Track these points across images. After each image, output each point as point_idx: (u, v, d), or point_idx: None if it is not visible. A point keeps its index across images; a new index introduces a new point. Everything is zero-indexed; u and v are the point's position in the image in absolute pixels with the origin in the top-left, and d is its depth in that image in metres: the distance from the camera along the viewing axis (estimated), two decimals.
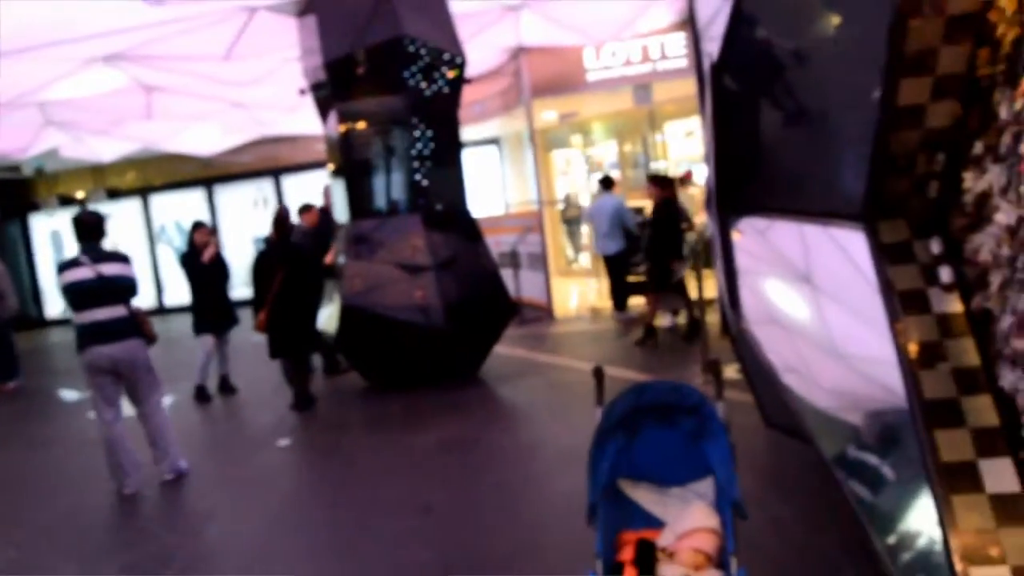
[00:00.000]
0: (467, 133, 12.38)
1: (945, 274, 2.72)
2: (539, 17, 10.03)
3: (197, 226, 8.07)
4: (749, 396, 4.76)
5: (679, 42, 10.64)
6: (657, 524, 2.57)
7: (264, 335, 7.07)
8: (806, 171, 3.41)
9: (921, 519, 2.36)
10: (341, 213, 7.87)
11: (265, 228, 7.26)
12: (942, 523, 2.25)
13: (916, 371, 2.55)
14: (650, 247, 8.13)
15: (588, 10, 9.79)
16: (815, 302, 3.26)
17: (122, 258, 5.36)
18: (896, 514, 2.52)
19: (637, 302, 9.37)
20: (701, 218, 10.96)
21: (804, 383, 3.23)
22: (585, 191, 13.93)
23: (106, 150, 14.57)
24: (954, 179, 2.68)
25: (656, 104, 11.48)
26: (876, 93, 2.66)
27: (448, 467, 5.20)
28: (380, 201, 7.65)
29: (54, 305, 17.82)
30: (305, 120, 11.15)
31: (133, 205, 17.97)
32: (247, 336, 7.19)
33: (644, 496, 2.64)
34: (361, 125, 7.56)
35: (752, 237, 3.86)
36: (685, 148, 12.63)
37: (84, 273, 5.14)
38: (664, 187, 8.08)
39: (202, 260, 7.76)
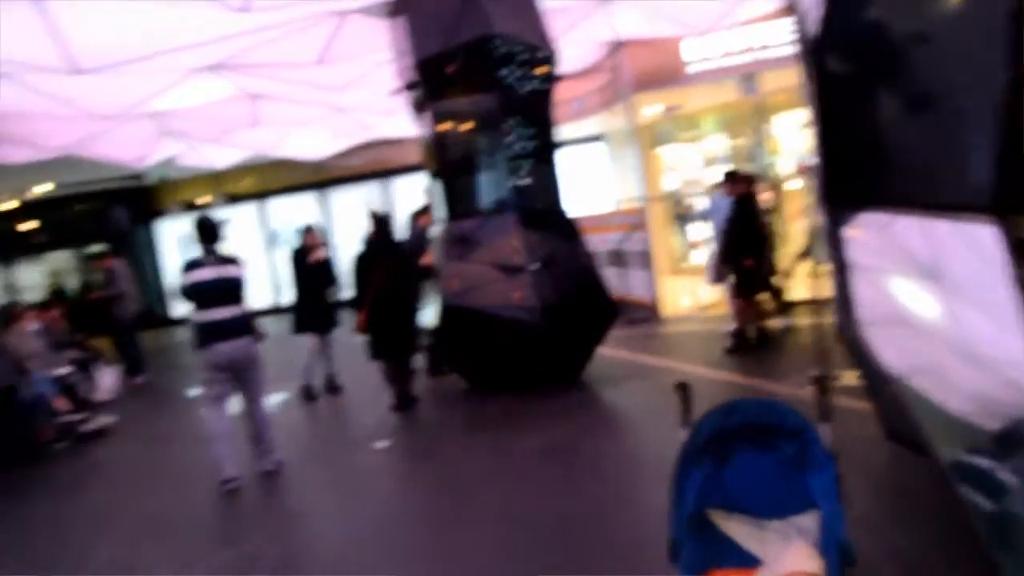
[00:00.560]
0: (570, 131, 12.16)
1: None
2: (635, 9, 9.67)
3: (307, 230, 8.37)
4: (867, 404, 4.29)
5: (784, 29, 9.98)
6: (753, 563, 2.23)
7: (365, 336, 7.12)
8: (926, 160, 2.99)
9: None
10: (439, 214, 7.85)
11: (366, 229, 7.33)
12: None
13: None
14: (726, 248, 7.68)
15: None
16: (944, 302, 2.85)
17: (236, 261, 5.70)
18: None
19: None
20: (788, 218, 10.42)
21: (930, 388, 2.85)
22: (696, 187, 13.36)
23: (219, 158, 15.20)
24: None
25: (764, 95, 10.86)
26: (1002, 70, 2.23)
27: (545, 475, 5.01)
28: (477, 201, 7.56)
29: (180, 305, 18.95)
30: (407, 123, 11.25)
31: (250, 209, 18.87)
32: (353, 336, 7.31)
33: (739, 530, 2.29)
34: (455, 125, 7.49)
35: (870, 233, 3.47)
36: (800, 141, 11.90)
37: (207, 274, 5.49)
38: (741, 184, 7.67)
39: (308, 262, 8.00)
